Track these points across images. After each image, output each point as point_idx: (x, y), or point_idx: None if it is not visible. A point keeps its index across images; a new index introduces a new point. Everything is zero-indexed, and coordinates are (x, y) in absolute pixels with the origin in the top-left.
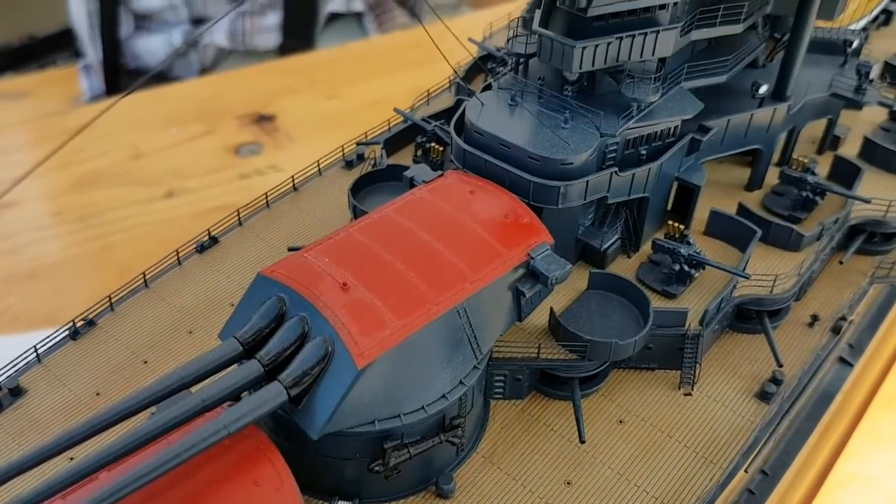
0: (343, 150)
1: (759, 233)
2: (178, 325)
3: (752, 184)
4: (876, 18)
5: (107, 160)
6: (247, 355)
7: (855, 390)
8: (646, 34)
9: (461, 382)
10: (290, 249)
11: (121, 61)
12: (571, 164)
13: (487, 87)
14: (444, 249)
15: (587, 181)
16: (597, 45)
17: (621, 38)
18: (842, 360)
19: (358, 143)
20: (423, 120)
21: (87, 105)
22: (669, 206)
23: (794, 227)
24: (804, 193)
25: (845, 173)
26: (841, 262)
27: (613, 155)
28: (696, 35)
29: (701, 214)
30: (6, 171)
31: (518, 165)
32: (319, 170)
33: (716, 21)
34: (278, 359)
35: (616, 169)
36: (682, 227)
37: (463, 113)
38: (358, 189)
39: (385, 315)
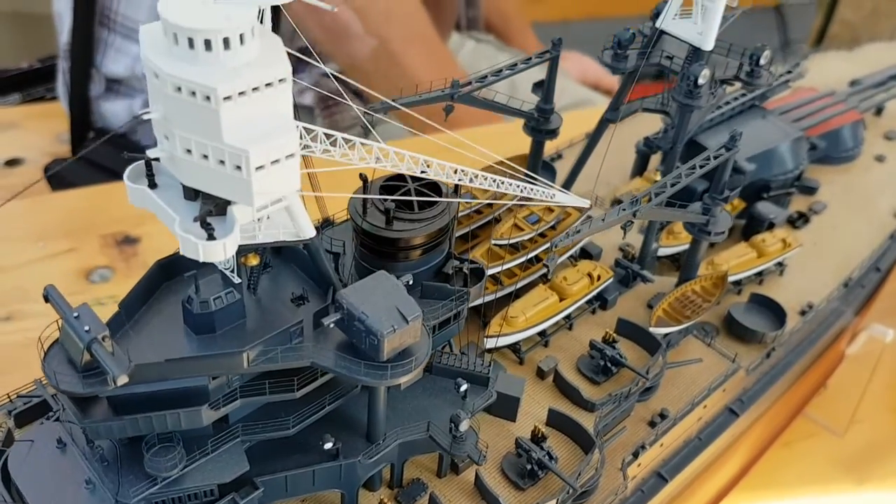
0: (9, 397)
1: None
2: None
3: None
4: (591, 302)
5: None
6: None
7: None
8: (165, 415)
9: None
10: None
11: (90, 119)
12: None
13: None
14: None
15: None
16: (112, 424)
17: (137, 419)
18: None
19: (19, 395)
20: (53, 396)
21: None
22: None
23: None
24: None
25: None
26: None
27: None
28: (242, 404)
29: None
30: None
31: None
32: None
33: (265, 391)
34: None
35: None
36: None
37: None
38: None
39: None
